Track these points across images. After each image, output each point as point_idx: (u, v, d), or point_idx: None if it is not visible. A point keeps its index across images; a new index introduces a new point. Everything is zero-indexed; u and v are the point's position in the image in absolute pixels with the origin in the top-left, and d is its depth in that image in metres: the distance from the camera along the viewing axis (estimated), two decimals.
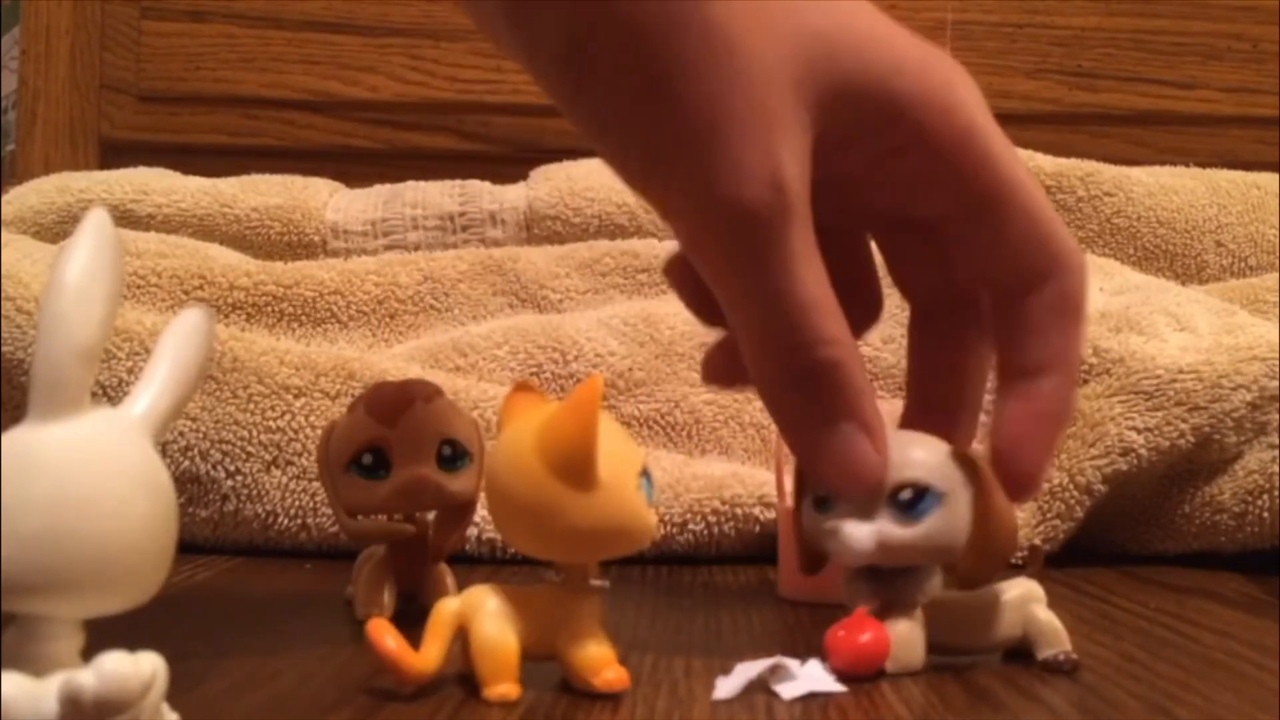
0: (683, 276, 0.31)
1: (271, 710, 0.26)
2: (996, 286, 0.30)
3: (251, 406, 0.47)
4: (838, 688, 0.27)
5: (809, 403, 0.28)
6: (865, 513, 0.28)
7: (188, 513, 0.46)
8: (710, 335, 0.32)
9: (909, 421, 0.32)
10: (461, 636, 0.27)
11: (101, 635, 0.21)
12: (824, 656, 0.28)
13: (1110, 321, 0.51)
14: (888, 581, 0.29)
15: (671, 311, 0.55)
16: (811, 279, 0.27)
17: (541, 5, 0.27)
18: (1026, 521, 0.47)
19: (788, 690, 0.27)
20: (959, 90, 0.29)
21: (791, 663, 0.28)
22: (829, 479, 0.29)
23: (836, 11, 0.28)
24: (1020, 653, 0.30)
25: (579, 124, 0.29)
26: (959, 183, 0.29)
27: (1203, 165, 0.75)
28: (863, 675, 0.28)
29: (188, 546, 0.46)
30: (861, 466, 0.28)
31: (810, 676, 0.27)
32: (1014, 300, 0.30)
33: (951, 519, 0.28)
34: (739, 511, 0.46)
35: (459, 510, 0.35)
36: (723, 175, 0.27)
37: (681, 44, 0.26)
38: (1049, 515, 0.47)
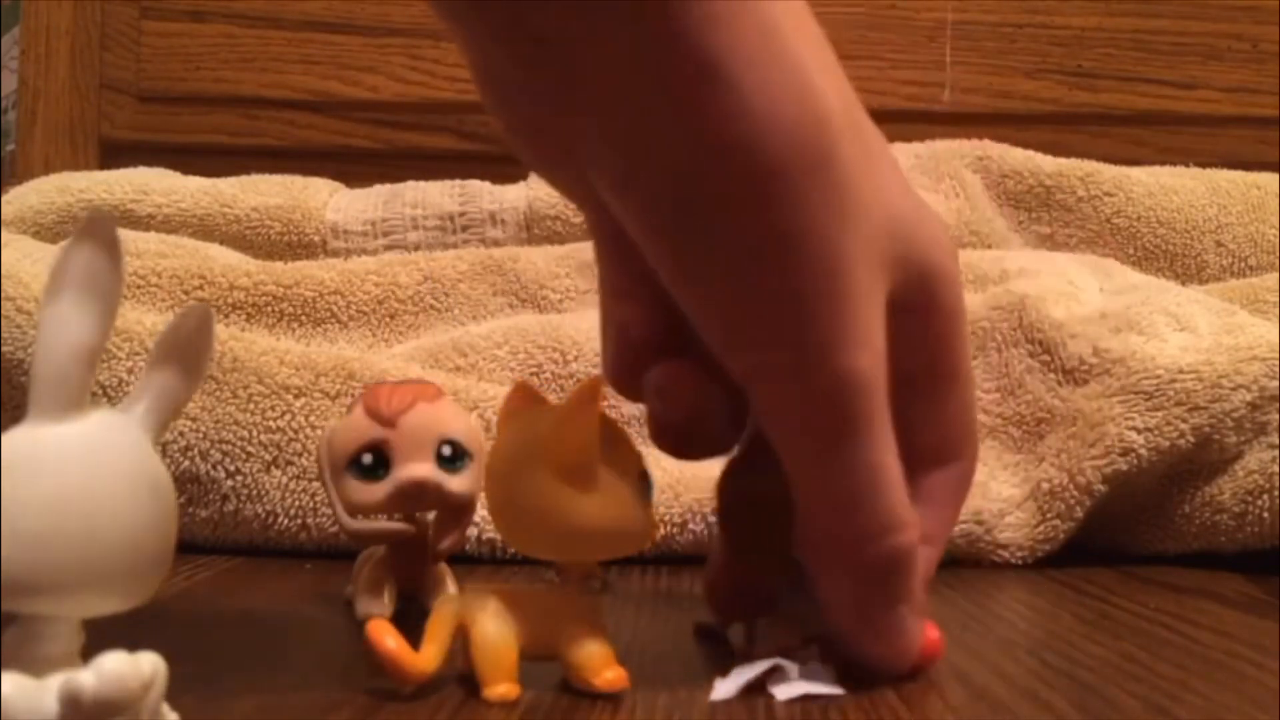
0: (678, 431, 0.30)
1: (271, 710, 0.26)
2: (910, 454, 0.29)
3: (251, 406, 0.47)
4: (836, 690, 0.27)
5: (877, 588, 0.27)
6: None
7: (188, 513, 0.46)
8: None
9: None
10: (461, 636, 0.27)
11: (101, 635, 0.21)
12: (825, 658, 0.28)
13: (1110, 321, 0.51)
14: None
15: None
16: (895, 454, 0.27)
17: (651, 130, 0.25)
18: (1026, 522, 0.47)
19: (783, 692, 0.27)
20: (957, 265, 0.30)
21: (790, 664, 0.28)
22: (871, 657, 0.28)
23: (899, 175, 0.29)
24: (1020, 652, 0.30)
25: (661, 261, 0.26)
26: (933, 352, 0.29)
27: (1203, 165, 0.75)
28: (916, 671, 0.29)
29: (188, 546, 0.46)
30: (909, 649, 0.28)
31: (808, 679, 0.27)
32: (917, 472, 0.30)
33: None
34: None
35: (459, 510, 0.35)
36: (841, 340, 0.25)
37: (814, 188, 0.25)
38: (1049, 515, 0.47)
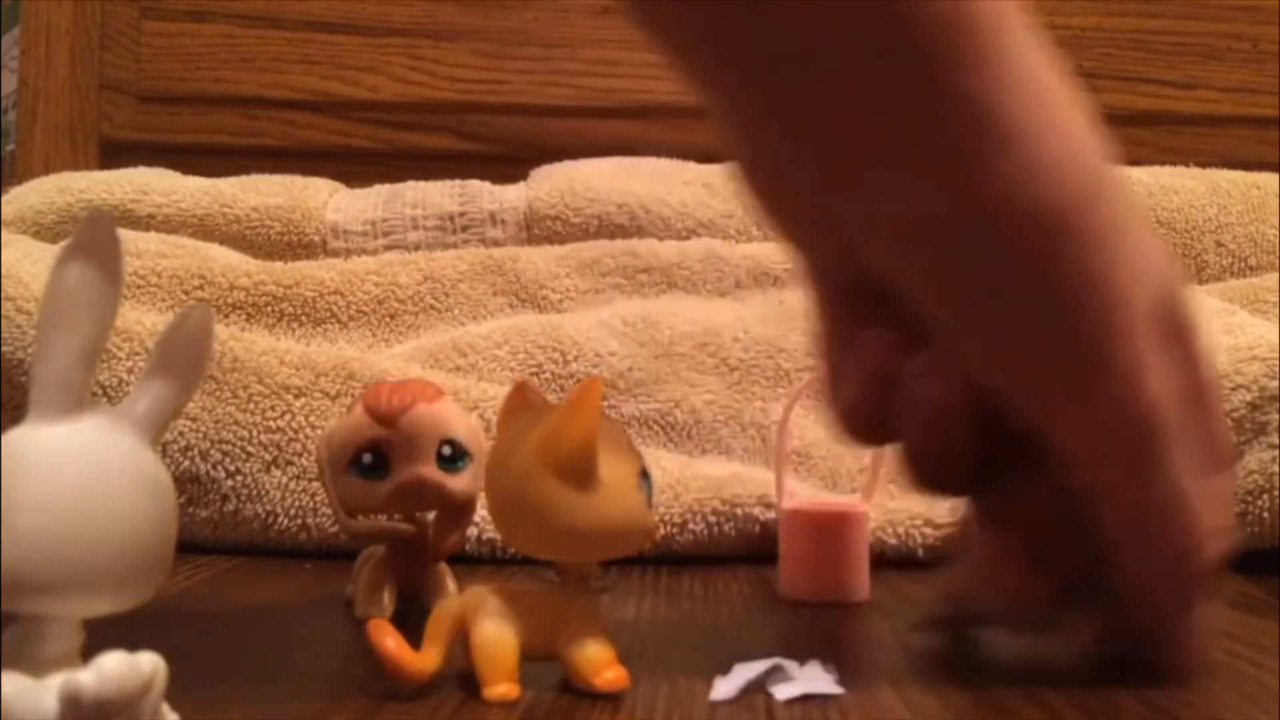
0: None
1: (272, 710, 0.26)
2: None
3: (251, 406, 0.47)
4: (836, 690, 0.27)
5: (1185, 596, 0.28)
6: None
7: (188, 513, 0.46)
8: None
9: None
10: (461, 636, 0.27)
11: (101, 635, 0.21)
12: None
13: None
14: None
15: (671, 311, 0.55)
16: (1191, 469, 0.27)
17: (939, 195, 0.26)
18: None
19: (782, 691, 0.27)
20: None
21: (790, 664, 0.28)
22: (1181, 654, 0.29)
23: None
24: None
25: (953, 321, 0.27)
26: (1190, 372, 0.29)
27: (1203, 165, 0.75)
28: None
29: (188, 546, 0.46)
30: (1207, 647, 0.29)
31: (808, 678, 0.27)
32: None
33: None
34: (739, 511, 0.46)
35: (459, 510, 0.35)
36: (1134, 370, 0.26)
37: (1100, 229, 0.26)
38: None
